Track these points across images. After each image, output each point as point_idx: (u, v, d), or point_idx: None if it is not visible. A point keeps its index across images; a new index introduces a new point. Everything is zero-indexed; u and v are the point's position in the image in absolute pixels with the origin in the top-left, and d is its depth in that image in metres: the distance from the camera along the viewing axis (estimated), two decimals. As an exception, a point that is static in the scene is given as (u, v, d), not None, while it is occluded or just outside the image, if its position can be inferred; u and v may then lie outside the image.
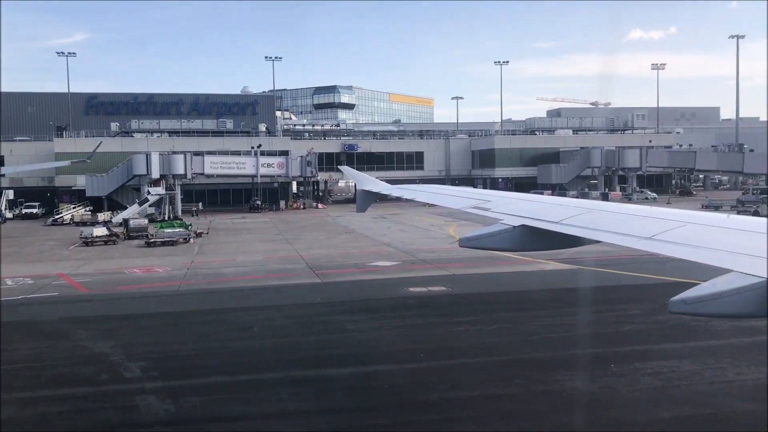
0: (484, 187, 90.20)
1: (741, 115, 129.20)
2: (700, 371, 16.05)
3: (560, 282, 29.38)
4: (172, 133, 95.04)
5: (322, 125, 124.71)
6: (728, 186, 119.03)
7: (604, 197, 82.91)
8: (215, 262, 38.98)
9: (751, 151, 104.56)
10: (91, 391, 15.80)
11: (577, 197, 75.56)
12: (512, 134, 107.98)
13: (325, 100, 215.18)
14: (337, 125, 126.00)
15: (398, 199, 24.15)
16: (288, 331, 21.57)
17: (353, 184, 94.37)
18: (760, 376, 15.61)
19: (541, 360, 17.62)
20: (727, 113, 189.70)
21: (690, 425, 12.85)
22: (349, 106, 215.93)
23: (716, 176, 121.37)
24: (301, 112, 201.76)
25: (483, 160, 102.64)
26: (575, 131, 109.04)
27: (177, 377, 16.69)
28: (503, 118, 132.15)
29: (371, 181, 27.92)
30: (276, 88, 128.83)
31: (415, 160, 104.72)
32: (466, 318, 22.62)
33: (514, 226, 12.87)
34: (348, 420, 13.65)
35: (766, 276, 7.35)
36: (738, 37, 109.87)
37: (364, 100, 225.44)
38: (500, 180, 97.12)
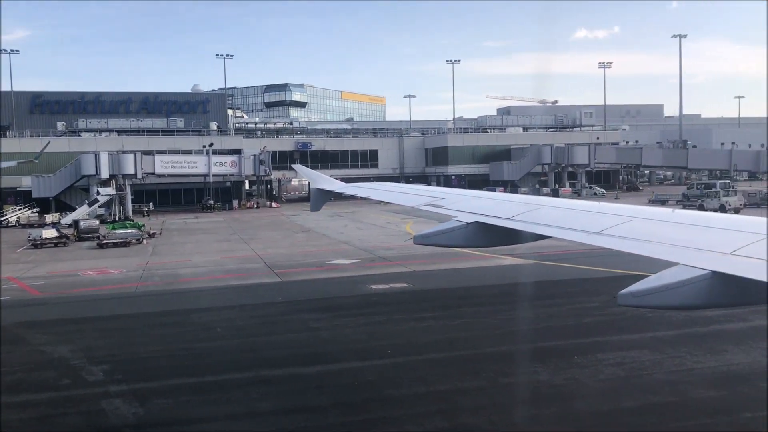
0: (438, 185, 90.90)
1: (683, 113, 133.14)
2: (660, 361, 16.55)
3: (518, 277, 29.89)
4: (121, 132, 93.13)
5: (275, 123, 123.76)
6: (673, 181, 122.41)
7: (555, 193, 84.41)
8: (171, 262, 38.42)
9: (694, 147, 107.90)
10: (54, 396, 15.46)
11: (528, 194, 76.87)
12: (464, 132, 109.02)
13: (277, 98, 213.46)
14: (290, 123, 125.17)
15: (353, 197, 24.23)
16: (252, 331, 21.44)
17: (307, 182, 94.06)
18: (718, 364, 16.19)
19: (506, 353, 17.94)
20: (669, 110, 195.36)
21: (657, 413, 13.25)
22: (301, 105, 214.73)
23: (661, 172, 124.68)
24: (252, 111, 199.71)
25: (436, 158, 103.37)
26: (525, 129, 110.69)
27: (142, 380, 16.44)
28: (455, 116, 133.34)
29: (325, 180, 27.87)
30: (226, 86, 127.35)
31: (369, 158, 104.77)
32: (430, 314, 22.83)
33: (467, 223, 13.07)
34: (319, 418, 13.67)
35: (710, 269, 7.57)
36: (680, 36, 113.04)
37: (315, 98, 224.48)
38: (454, 177, 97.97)
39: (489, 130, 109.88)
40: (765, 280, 7.03)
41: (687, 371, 15.75)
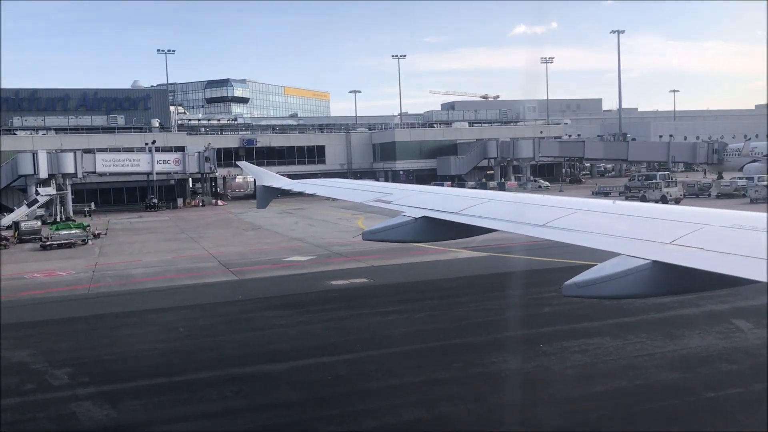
0: (386, 180, 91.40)
1: (624, 106, 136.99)
2: (622, 346, 17.10)
3: (476, 269, 30.34)
4: (59, 130, 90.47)
5: (219, 119, 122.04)
6: (613, 173, 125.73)
7: (501, 187, 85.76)
8: (121, 263, 37.62)
9: (633, 140, 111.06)
10: (19, 401, 15.02)
11: (475, 188, 77.91)
12: (412, 127, 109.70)
13: (218, 93, 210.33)
14: (235, 119, 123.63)
15: (301, 194, 24.18)
16: (216, 330, 21.23)
17: (252, 179, 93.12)
18: (677, 348, 16.84)
19: (474, 344, 18.23)
20: (607, 104, 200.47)
21: (626, 397, 13.73)
22: (243, 100, 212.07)
23: (601, 164, 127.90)
24: (193, 107, 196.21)
25: (384, 153, 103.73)
26: (471, 123, 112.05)
27: (110, 382, 16.12)
28: (401, 112, 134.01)
29: (271, 176, 27.63)
30: (168, 82, 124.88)
31: (316, 154, 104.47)
32: (394, 308, 23.01)
33: (416, 218, 13.16)
34: (297, 413, 13.69)
35: (650, 258, 7.78)
36: (619, 32, 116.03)
37: (258, 93, 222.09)
38: (402, 172, 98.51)
39: (435, 125, 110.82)
40: (703, 268, 7.33)
41: (649, 356, 16.34)
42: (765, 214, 8.56)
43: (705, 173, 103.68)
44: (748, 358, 15.82)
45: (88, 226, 51.42)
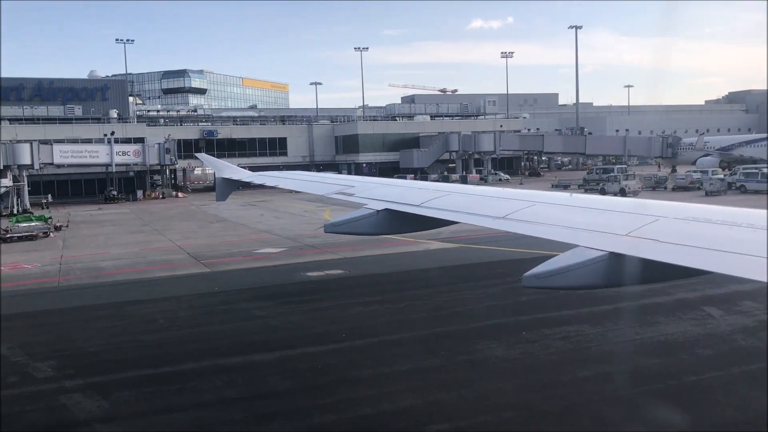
0: (349, 173, 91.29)
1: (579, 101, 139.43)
2: (601, 333, 17.65)
3: (449, 260, 30.73)
4: (14, 120, 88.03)
5: (178, 111, 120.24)
6: (570, 167, 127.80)
7: (464, 180, 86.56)
8: (87, 255, 37.01)
9: (589, 134, 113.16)
10: (6, 394, 14.83)
11: (438, 180, 78.49)
12: (374, 120, 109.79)
13: (175, 84, 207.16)
14: (194, 111, 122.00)
15: (262, 186, 24.16)
16: (196, 321, 21.18)
17: (211, 171, 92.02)
18: (654, 334, 17.44)
19: (456, 332, 18.58)
20: (563, 99, 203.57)
21: (611, 381, 14.22)
22: (201, 91, 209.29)
23: (558, 158, 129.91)
24: (149, 98, 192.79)
25: (347, 146, 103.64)
26: (432, 117, 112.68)
27: (96, 374, 16.02)
28: (359, 105, 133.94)
29: (231, 169, 27.36)
30: (120, 73, 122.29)
31: (278, 146, 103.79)
32: (373, 298, 23.21)
33: (378, 210, 13.34)
34: (291, 402, 13.83)
35: (607, 249, 7.95)
36: (576, 27, 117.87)
37: (216, 84, 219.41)
38: (365, 165, 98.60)
39: (398, 118, 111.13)
40: (658, 259, 7.58)
41: (629, 342, 16.91)
42: (717, 207, 8.96)
43: (659, 167, 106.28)
44: (722, 344, 16.50)
45: (50, 218, 50.35)
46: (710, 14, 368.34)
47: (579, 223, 9.47)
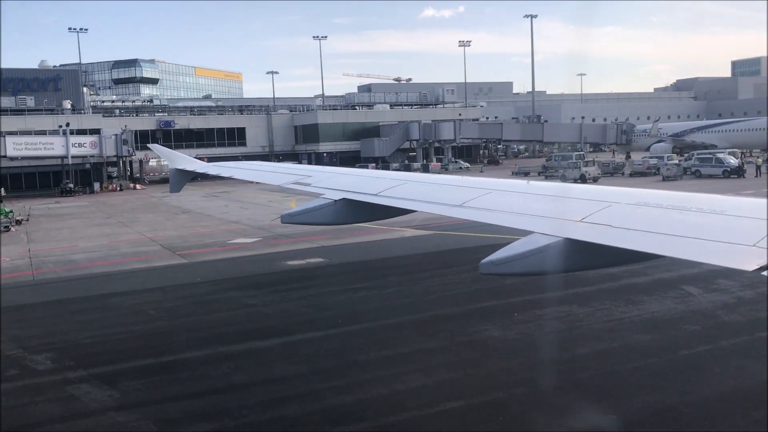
0: (310, 162, 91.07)
1: (529, 90, 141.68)
2: (591, 313, 18.28)
3: (427, 246, 31.13)
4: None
5: (133, 101, 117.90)
6: (527, 154, 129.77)
7: (425, 168, 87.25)
8: (56, 249, 36.37)
9: (545, 122, 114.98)
10: (9, 387, 14.71)
11: (399, 169, 78.88)
12: (334, 109, 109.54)
13: (126, 74, 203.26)
14: (150, 101, 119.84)
15: (218, 177, 24.08)
16: (186, 311, 21.17)
17: (167, 163, 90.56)
18: (641, 313, 18.15)
19: (449, 315, 19.00)
20: (516, 88, 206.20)
21: (609, 357, 14.83)
22: (153, 81, 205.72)
23: (515, 145, 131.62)
24: (100, 88, 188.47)
25: (307, 136, 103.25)
26: (392, 106, 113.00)
27: (98, 364, 15.95)
28: (315, 94, 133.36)
29: (184, 159, 27.05)
30: (69, 62, 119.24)
31: (236, 136, 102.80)
32: (360, 285, 23.48)
33: (335, 200, 13.57)
34: (303, 385, 14.05)
35: (562, 236, 8.20)
36: (532, 16, 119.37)
37: (168, 74, 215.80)
38: (325, 155, 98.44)
39: (357, 108, 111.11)
40: (612, 244, 7.80)
41: (618, 320, 17.58)
42: (667, 192, 9.41)
43: (613, 153, 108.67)
44: (706, 319, 17.29)
45: (11, 211, 49.14)
46: (654, 4, 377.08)
47: (534, 209, 9.74)
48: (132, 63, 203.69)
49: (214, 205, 59.58)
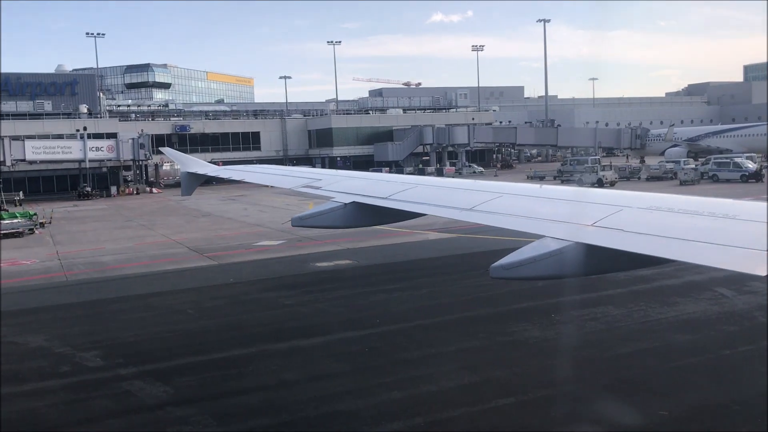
0: (323, 166, 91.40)
1: (541, 94, 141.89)
2: (628, 314, 18.52)
3: (453, 249, 31.40)
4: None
5: (149, 105, 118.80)
6: (540, 159, 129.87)
7: (439, 172, 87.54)
8: (83, 251, 36.84)
9: (558, 126, 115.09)
10: (65, 383, 15.11)
11: (413, 173, 79.11)
12: (348, 114, 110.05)
13: (138, 79, 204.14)
14: (166, 105, 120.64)
15: (235, 181, 24.32)
16: (226, 311, 21.53)
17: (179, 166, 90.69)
18: (677, 314, 18.38)
19: (486, 316, 19.27)
20: (526, 92, 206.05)
21: (652, 356, 15.08)
22: (165, 86, 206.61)
23: (527, 150, 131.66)
24: (112, 92, 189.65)
25: (320, 140, 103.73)
26: (405, 110, 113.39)
27: (147, 362, 16.32)
28: (326, 98, 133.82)
29: (196, 163, 27.19)
30: (81, 67, 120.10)
31: (251, 140, 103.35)
32: (392, 286, 23.78)
33: (345, 204, 13.57)
34: (353, 382, 14.37)
35: (573, 240, 8.14)
36: (545, 21, 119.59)
37: (180, 79, 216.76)
38: (339, 159, 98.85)
39: (371, 112, 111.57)
40: (623, 248, 7.79)
41: (656, 321, 17.82)
42: (679, 197, 9.46)
43: (627, 158, 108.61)
44: (744, 320, 17.51)
45: (35, 214, 49.69)
46: (664, 8, 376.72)
47: (545, 213, 9.73)
48: (144, 67, 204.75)
49: (232, 208, 60.02)
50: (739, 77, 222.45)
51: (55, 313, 22.11)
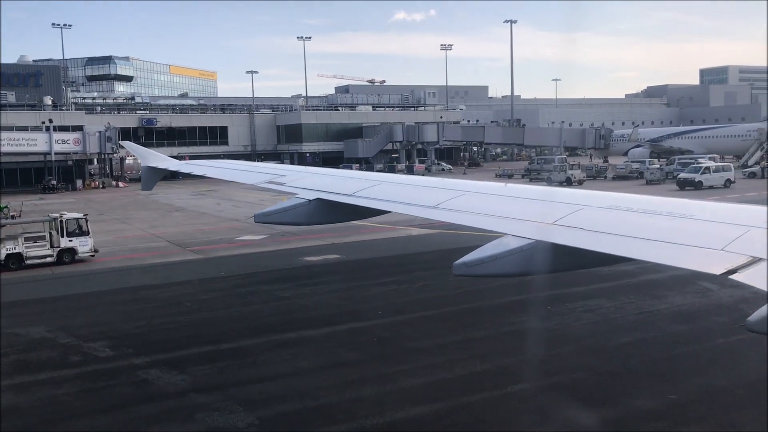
0: (292, 162, 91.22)
1: (506, 94, 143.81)
2: (620, 306, 19.27)
3: (439, 244, 31.82)
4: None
5: (115, 98, 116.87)
6: (505, 157, 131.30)
7: (410, 170, 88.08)
8: (62, 244, 36.35)
9: (524, 125, 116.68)
10: (79, 372, 15.23)
11: (384, 171, 79.49)
12: (317, 110, 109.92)
13: (100, 71, 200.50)
14: (132, 98, 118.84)
15: (202, 176, 24.25)
16: (224, 303, 21.68)
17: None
18: (668, 306, 19.19)
19: (484, 308, 19.84)
20: (490, 92, 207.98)
21: (651, 345, 15.79)
22: (127, 78, 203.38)
23: (492, 148, 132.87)
24: (76, 84, 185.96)
25: (289, 135, 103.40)
26: (374, 107, 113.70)
27: (157, 352, 16.47)
28: (292, 95, 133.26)
29: (156, 157, 26.95)
30: (41, 58, 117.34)
31: (219, 135, 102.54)
32: (386, 279, 24.19)
33: (310, 200, 13.69)
34: (371, 369, 14.75)
35: (534, 238, 8.47)
36: (511, 22, 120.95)
37: (143, 72, 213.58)
38: (308, 155, 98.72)
39: (340, 108, 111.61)
40: (582, 246, 8.10)
41: (648, 313, 18.60)
42: (638, 196, 9.61)
43: (591, 157, 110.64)
44: (731, 312, 18.38)
45: (6, 207, 48.73)
46: (623, 11, 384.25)
47: (507, 212, 10.00)
48: (107, 60, 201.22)
49: (205, 203, 59.67)
50: (695, 80, 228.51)
51: (49, 304, 22.01)
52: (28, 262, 28.50)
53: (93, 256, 30.09)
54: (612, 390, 13.23)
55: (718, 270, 6.83)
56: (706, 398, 12.67)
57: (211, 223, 44.44)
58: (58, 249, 29.12)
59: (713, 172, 57.84)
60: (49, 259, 28.71)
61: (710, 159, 67.29)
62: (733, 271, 6.74)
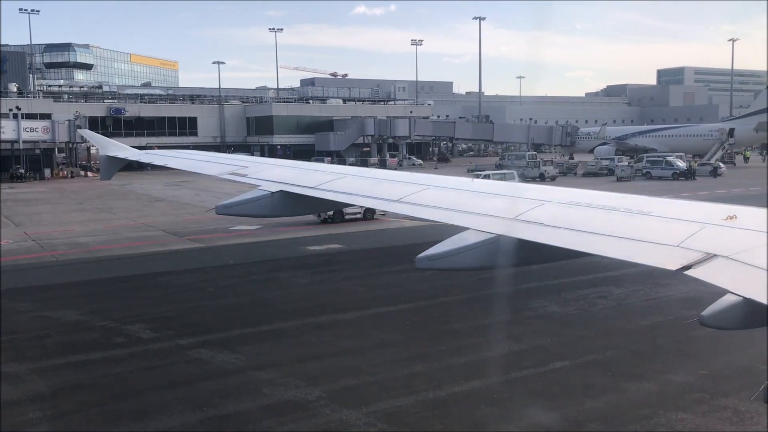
0: (263, 154, 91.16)
1: (472, 90, 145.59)
2: (629, 293, 20.39)
3: (435, 235, 32.48)
4: None
5: (81, 87, 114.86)
6: (472, 153, 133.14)
7: (383, 164, 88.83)
8: (53, 232, 36.28)
9: (492, 122, 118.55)
10: (130, 351, 15.66)
11: (356, 164, 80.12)
12: (288, 102, 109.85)
13: (59, 59, 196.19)
14: (99, 87, 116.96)
15: (170, 167, 24.21)
16: (246, 289, 22.22)
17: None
18: (673, 293, 20.33)
19: (503, 294, 20.53)
20: (454, 88, 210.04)
21: (668, 328, 16.91)
22: (87, 66, 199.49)
23: (460, 144, 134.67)
24: (42, 72, 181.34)
25: (260, 127, 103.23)
26: (345, 101, 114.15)
27: (199, 333, 16.98)
28: (256, 86, 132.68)
29: (115, 146, 26.82)
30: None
31: (188, 125, 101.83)
32: (395, 268, 24.88)
33: (272, 192, 13.81)
34: (414, 349, 15.53)
35: (496, 232, 8.76)
36: (480, 18, 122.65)
37: (103, 60, 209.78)
38: (279, 147, 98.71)
39: (311, 101, 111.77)
40: (542, 241, 8.34)
41: (656, 299, 19.76)
42: (598, 192, 9.91)
43: (560, 155, 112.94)
44: (734, 298, 19.61)
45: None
46: (581, 11, 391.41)
47: (470, 206, 10.22)
48: (66, 47, 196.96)
49: (183, 194, 59.63)
50: (653, 80, 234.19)
51: (70, 290, 22.21)
52: None
53: None
54: (645, 367, 14.27)
55: (674, 266, 7.08)
56: (736, 374, 13.79)
57: (198, 213, 44.44)
58: None
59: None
60: None
61: (677, 157, 69.64)
62: (689, 267, 6.97)
